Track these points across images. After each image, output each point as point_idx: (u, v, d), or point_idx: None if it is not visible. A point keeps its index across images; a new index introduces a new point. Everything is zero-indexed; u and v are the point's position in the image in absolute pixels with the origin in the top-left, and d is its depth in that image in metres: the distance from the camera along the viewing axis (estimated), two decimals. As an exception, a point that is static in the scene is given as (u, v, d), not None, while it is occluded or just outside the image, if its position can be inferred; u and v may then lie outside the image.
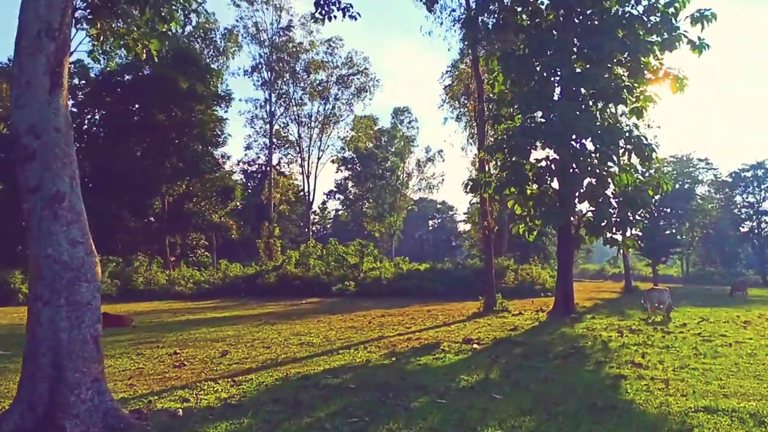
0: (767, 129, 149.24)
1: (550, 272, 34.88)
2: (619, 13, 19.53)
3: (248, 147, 64.78)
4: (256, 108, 59.88)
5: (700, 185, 62.65)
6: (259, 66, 57.65)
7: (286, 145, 64.18)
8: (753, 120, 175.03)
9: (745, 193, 66.14)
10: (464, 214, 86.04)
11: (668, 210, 48.83)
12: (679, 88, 19.31)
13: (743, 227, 66.48)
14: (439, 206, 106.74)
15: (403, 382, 8.63)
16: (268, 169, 61.76)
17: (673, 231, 50.38)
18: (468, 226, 76.02)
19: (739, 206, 66.42)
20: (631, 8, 19.62)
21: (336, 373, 9.35)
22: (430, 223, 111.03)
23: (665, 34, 18.89)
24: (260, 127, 61.55)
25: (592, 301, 27.32)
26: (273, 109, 59.56)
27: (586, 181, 19.66)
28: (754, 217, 65.66)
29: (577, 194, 19.75)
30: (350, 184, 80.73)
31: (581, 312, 20.52)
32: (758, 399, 7.50)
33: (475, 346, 12.46)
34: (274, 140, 62.27)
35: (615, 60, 19.66)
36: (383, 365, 10.23)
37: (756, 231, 65.63)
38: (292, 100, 59.98)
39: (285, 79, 58.85)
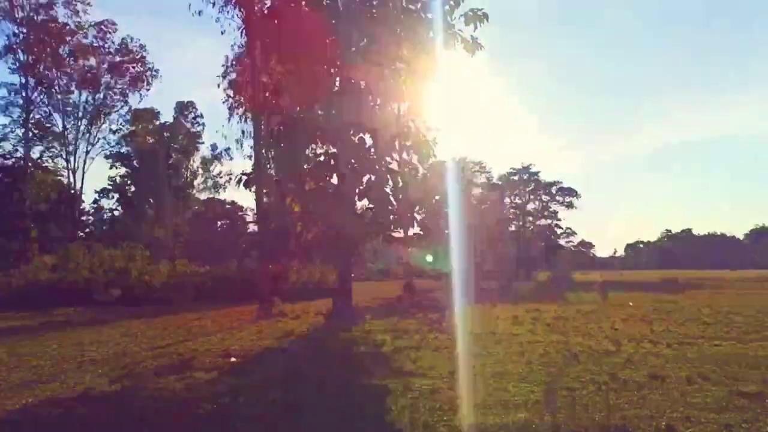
0: (534, 134, 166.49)
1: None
2: (399, 7, 19.14)
3: (3, 138, 56.25)
4: (11, 94, 52.24)
5: (475, 187, 67.10)
6: (14, 47, 50.28)
7: (50, 138, 56.78)
8: (523, 124, 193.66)
9: (512, 196, 72.13)
10: (254, 214, 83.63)
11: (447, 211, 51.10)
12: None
13: (511, 227, 72.45)
14: (228, 207, 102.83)
15: (120, 419, 6.75)
16: (26, 163, 54.08)
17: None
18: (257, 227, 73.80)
19: (507, 207, 72.24)
20: (409, 3, 19.32)
21: (28, 413, 7.14)
22: (219, 223, 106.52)
23: (441, 31, 18.83)
24: (17, 116, 53.75)
25: (376, 302, 27.05)
26: (32, 96, 52.33)
27: (365, 178, 18.94)
28: (521, 217, 72.01)
29: (356, 191, 18.98)
30: (128, 182, 74.27)
31: (361, 314, 19.82)
32: (528, 408, 6.84)
33: (233, 359, 10.84)
34: (34, 131, 54.76)
35: (394, 55, 19.20)
36: (105, 395, 8.15)
37: (522, 231, 71.99)
38: (56, 87, 53.22)
39: (47, 64, 51.99)
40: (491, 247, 70.84)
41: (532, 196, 71.53)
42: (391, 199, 19.52)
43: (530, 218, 72.08)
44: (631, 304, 22.65)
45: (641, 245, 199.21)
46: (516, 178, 71.05)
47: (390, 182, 19.07)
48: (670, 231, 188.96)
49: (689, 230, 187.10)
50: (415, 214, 22.07)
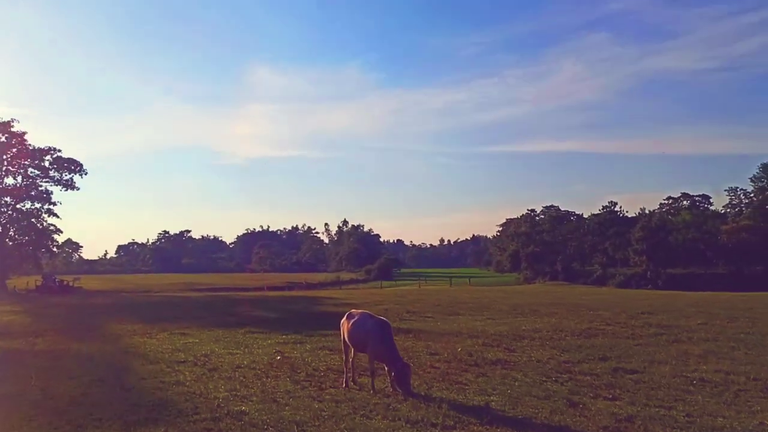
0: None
1: None
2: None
3: None
4: None
5: None
6: None
7: None
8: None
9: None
10: None
11: None
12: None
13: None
14: None
15: None
16: None
17: None
18: None
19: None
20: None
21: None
22: None
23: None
24: None
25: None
26: None
27: None
28: (-8, 197, 47.83)
29: None
30: None
31: None
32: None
33: None
34: None
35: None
36: None
37: (-7, 216, 47.97)
38: None
39: None
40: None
41: (12, 167, 48.08)
42: None
43: (7, 198, 48.35)
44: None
45: (135, 246, 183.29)
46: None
47: None
48: (167, 232, 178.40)
49: (188, 231, 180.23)
50: None
